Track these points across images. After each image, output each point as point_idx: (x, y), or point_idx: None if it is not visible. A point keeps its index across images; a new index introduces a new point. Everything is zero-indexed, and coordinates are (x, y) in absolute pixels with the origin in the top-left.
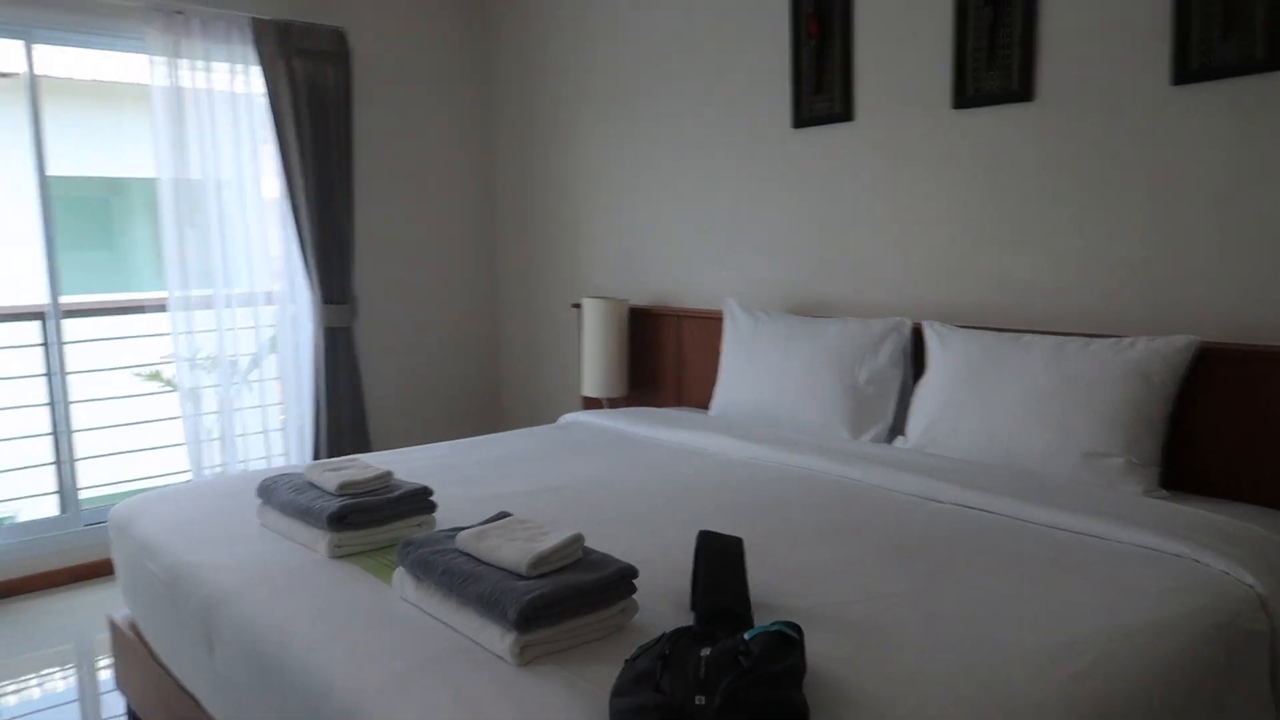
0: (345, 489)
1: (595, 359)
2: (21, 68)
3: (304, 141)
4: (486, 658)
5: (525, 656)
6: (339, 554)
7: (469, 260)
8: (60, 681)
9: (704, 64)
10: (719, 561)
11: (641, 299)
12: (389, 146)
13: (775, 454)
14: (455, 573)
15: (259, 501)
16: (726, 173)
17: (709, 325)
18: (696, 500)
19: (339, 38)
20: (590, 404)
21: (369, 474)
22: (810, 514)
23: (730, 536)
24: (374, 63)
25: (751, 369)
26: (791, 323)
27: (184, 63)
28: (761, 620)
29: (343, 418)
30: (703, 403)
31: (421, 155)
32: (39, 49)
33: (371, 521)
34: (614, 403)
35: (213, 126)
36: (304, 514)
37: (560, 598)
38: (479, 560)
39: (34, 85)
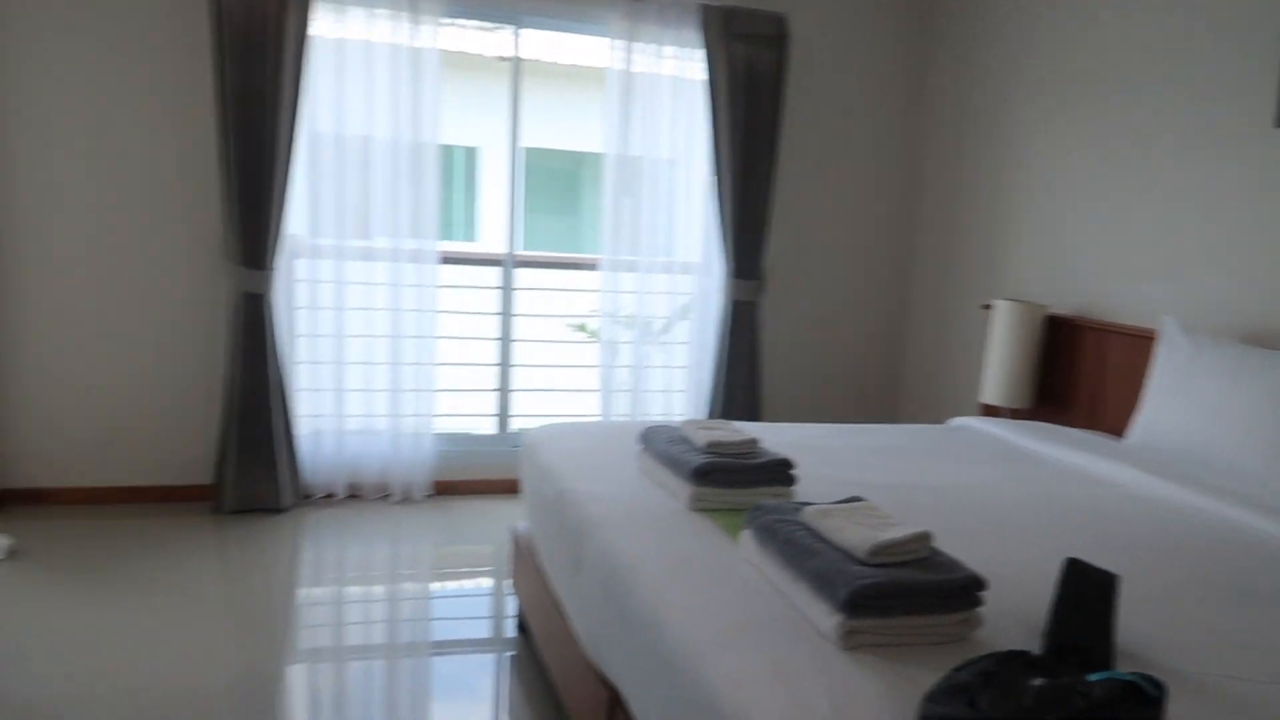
0: (713, 448)
1: (1000, 365)
2: (510, 51)
3: (735, 123)
4: (811, 634)
5: (849, 641)
6: (698, 507)
7: (882, 249)
8: (479, 576)
9: (1163, 55)
10: (1085, 594)
11: (1062, 307)
12: (815, 131)
13: (1195, 498)
14: (795, 544)
15: (639, 447)
16: (1179, 175)
17: (1138, 344)
18: (1081, 528)
19: (779, 23)
20: (988, 412)
21: (736, 438)
22: (1223, 571)
23: (1104, 570)
24: (809, 47)
25: (1184, 400)
26: (1242, 353)
27: (637, 47)
28: (1123, 669)
29: (738, 387)
30: (1117, 429)
31: (846, 141)
32: (524, 34)
33: (731, 482)
34: (1015, 414)
35: (655, 108)
36: (673, 464)
37: (895, 591)
38: (820, 537)
39: (518, 67)
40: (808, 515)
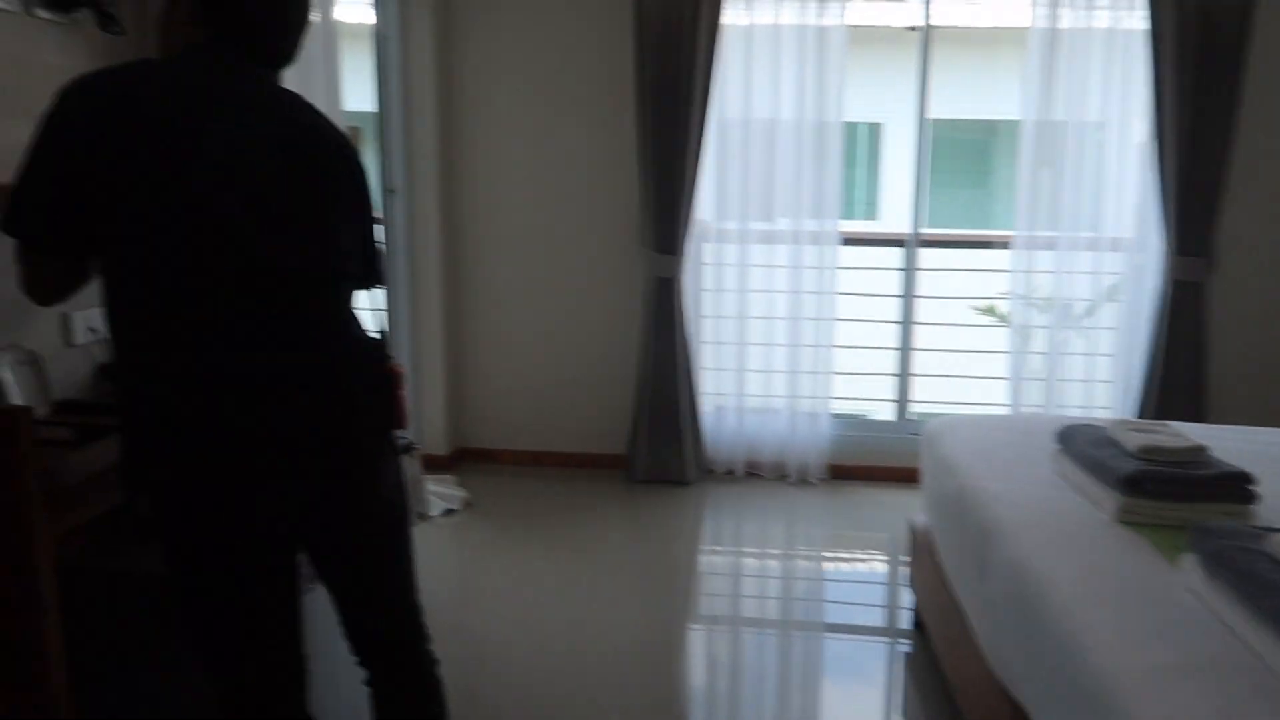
0: (1147, 453)
1: None
2: (920, 21)
3: (1183, 77)
4: (1274, 687)
5: None
6: (1126, 519)
7: None
8: (874, 564)
9: None
10: None
11: None
12: None
13: None
14: (1257, 579)
15: (1056, 447)
16: None
17: None
18: None
19: None
20: None
21: (1179, 443)
22: None
23: None
24: None
25: None
26: None
27: (1065, 1)
28: None
29: (1177, 381)
30: None
31: None
32: (934, 1)
33: (1171, 495)
34: None
35: (1084, 67)
36: (1097, 469)
37: None
38: None
39: (927, 36)
40: (1275, 545)
